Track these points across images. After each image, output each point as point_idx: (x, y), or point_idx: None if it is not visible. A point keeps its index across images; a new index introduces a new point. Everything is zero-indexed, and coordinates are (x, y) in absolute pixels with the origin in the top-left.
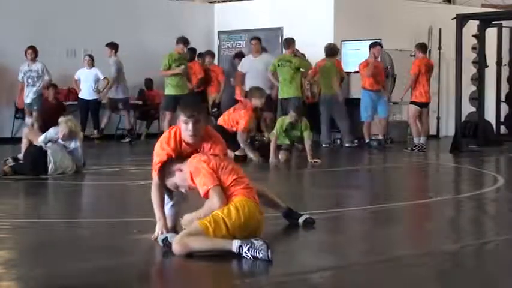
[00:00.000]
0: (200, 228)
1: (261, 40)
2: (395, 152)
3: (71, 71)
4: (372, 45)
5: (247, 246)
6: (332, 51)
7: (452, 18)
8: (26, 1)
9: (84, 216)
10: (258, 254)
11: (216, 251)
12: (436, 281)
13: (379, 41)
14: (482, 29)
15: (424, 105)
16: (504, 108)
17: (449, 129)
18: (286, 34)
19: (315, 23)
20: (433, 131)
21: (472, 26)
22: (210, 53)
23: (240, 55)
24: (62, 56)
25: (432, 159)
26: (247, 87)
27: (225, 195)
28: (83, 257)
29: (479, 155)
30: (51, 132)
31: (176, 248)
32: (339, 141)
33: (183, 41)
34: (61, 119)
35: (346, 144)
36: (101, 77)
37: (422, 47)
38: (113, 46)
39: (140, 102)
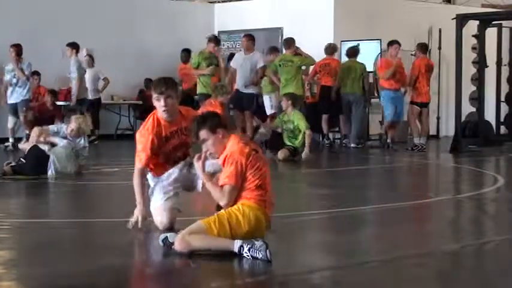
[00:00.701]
0: (204, 227)
1: (254, 38)
2: (394, 152)
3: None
4: (389, 44)
5: (248, 247)
6: (356, 51)
7: (452, 18)
8: (26, 1)
9: (84, 216)
10: (257, 255)
11: (217, 250)
12: (436, 281)
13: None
14: (482, 29)
15: (423, 105)
16: (504, 108)
17: (449, 129)
18: (286, 34)
19: (315, 23)
20: (433, 131)
21: (472, 26)
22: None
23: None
24: (61, 56)
25: (432, 159)
26: (238, 84)
27: (241, 192)
28: (83, 257)
29: (479, 155)
30: (52, 128)
31: (178, 245)
32: (338, 141)
33: (215, 40)
34: (73, 116)
35: (352, 145)
36: (101, 76)
37: (423, 47)
38: (74, 46)
39: (140, 102)
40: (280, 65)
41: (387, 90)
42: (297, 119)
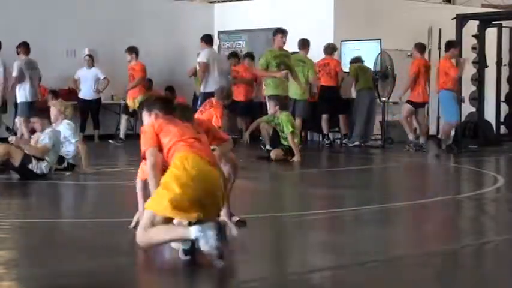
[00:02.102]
0: (149, 211)
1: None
2: (394, 152)
3: (71, 71)
4: (451, 45)
5: (202, 240)
6: (359, 59)
7: (452, 18)
8: (27, 0)
9: (85, 216)
10: (206, 246)
11: (176, 240)
12: (436, 281)
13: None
14: (482, 29)
15: (420, 105)
16: (504, 108)
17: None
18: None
19: (315, 23)
20: (433, 131)
21: (472, 26)
22: (250, 55)
23: (234, 55)
24: (62, 55)
25: (432, 159)
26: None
27: (167, 156)
28: (84, 257)
29: (479, 154)
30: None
31: (140, 245)
32: (338, 141)
33: (282, 31)
34: (51, 103)
35: (355, 143)
36: (101, 76)
37: (422, 48)
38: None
39: None
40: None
41: (447, 90)
42: (283, 121)
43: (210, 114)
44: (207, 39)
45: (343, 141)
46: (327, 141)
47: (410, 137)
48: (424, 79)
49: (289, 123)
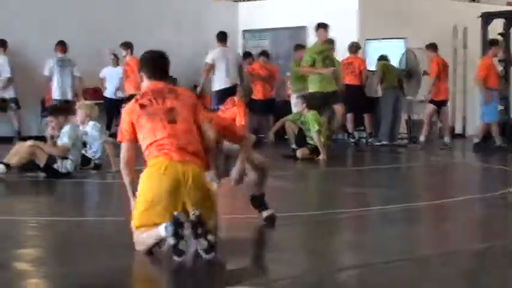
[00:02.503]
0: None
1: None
2: (420, 150)
3: (97, 70)
4: (493, 43)
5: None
6: (385, 57)
7: (478, 17)
8: (51, 0)
9: (110, 214)
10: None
11: (158, 240)
12: (462, 281)
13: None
14: (507, 27)
15: (442, 104)
16: None
17: (476, 128)
18: (311, 33)
19: (339, 22)
20: (458, 130)
21: (498, 25)
22: (265, 54)
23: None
24: (89, 54)
25: (458, 158)
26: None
27: (143, 151)
28: (109, 255)
29: (507, 153)
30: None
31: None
32: (364, 140)
33: (324, 25)
34: (78, 104)
35: (383, 142)
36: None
37: (434, 47)
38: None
39: None
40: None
41: (489, 89)
42: (310, 120)
43: (233, 112)
44: (219, 37)
45: (369, 140)
46: (352, 140)
47: (422, 138)
48: (444, 77)
49: (316, 122)
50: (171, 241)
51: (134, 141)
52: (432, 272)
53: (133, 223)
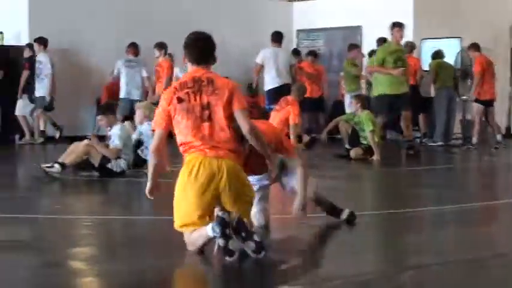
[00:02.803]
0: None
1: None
2: (475, 151)
3: (151, 70)
4: None
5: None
6: (441, 54)
7: None
8: (109, 1)
9: (162, 213)
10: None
11: (208, 240)
12: None
13: None
14: None
15: (488, 104)
16: None
17: None
18: (365, 33)
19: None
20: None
21: None
22: (313, 53)
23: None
24: (144, 55)
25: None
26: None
27: (179, 145)
28: (162, 254)
29: None
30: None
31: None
32: (418, 140)
33: (399, 24)
34: (136, 105)
35: (430, 143)
36: (180, 75)
37: (476, 47)
38: (41, 41)
39: None
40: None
41: None
42: (364, 120)
43: (287, 112)
44: (273, 37)
45: (423, 140)
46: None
47: (474, 139)
48: (489, 76)
49: (370, 122)
50: (220, 242)
51: (168, 130)
52: (489, 274)
53: (176, 224)
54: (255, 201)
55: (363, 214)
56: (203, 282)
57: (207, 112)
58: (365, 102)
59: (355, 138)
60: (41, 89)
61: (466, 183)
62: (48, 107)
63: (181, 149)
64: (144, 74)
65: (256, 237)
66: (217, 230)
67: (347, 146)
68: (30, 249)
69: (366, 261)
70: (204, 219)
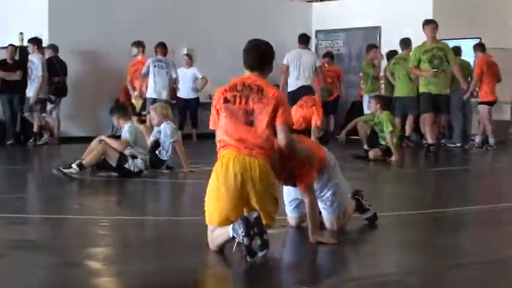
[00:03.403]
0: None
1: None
2: (492, 152)
3: None
4: None
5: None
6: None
7: None
8: (128, 2)
9: (179, 214)
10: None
11: (228, 239)
12: None
13: None
14: None
15: (489, 104)
16: None
17: None
18: (384, 33)
19: (413, 22)
20: None
21: None
22: (330, 55)
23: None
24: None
25: None
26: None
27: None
28: (180, 254)
29: None
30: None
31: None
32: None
33: (430, 22)
34: (151, 107)
35: (449, 144)
36: (200, 76)
37: (480, 46)
38: (35, 42)
39: None
40: (394, 64)
41: None
42: (384, 120)
43: (312, 111)
44: (299, 39)
45: (442, 141)
46: (425, 141)
47: (491, 140)
48: (489, 77)
49: (390, 123)
50: (245, 241)
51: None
52: (505, 276)
53: (207, 220)
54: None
55: (384, 215)
56: (221, 283)
57: (250, 118)
58: (385, 102)
59: (374, 139)
60: (30, 91)
61: (483, 184)
62: (35, 109)
63: (218, 144)
64: (174, 75)
65: (265, 236)
66: (242, 229)
67: (365, 147)
68: (48, 249)
69: (382, 262)
70: (228, 219)
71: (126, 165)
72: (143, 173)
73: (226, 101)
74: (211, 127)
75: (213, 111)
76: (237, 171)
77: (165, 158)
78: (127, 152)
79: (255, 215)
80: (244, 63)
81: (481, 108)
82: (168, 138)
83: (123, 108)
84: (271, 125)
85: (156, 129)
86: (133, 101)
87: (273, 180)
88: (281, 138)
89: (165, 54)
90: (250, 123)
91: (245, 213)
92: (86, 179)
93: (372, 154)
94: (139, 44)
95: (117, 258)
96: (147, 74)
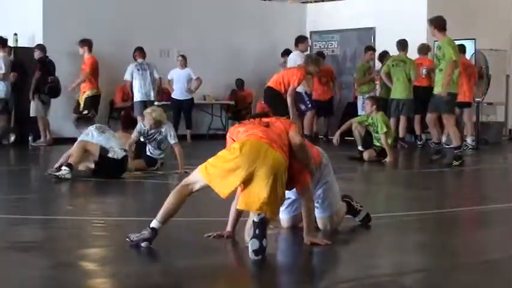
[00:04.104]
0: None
1: None
2: (488, 153)
3: (165, 72)
4: None
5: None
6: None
7: None
8: (122, 2)
9: (176, 215)
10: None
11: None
12: None
13: None
14: None
15: (465, 105)
16: None
17: None
18: (379, 34)
19: (408, 23)
20: None
21: None
22: (321, 54)
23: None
24: (155, 56)
25: None
26: None
27: None
28: (175, 255)
29: None
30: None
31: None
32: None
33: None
34: (145, 111)
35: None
36: (194, 77)
37: (460, 48)
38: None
39: (232, 102)
40: (393, 65)
41: None
42: (379, 121)
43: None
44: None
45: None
46: (419, 142)
47: (469, 139)
48: (466, 79)
49: (384, 124)
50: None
51: None
52: (501, 276)
53: (203, 167)
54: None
55: (378, 216)
56: (215, 284)
57: (267, 125)
58: (379, 104)
59: (368, 140)
60: None
61: (479, 185)
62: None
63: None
64: (157, 75)
65: (264, 242)
66: (259, 229)
67: (360, 148)
68: (42, 250)
69: (375, 263)
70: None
71: (110, 155)
72: (128, 166)
73: (241, 125)
74: None
75: (228, 141)
76: (250, 154)
77: (156, 156)
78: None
79: (262, 215)
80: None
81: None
82: (171, 139)
83: (83, 119)
84: (286, 130)
85: (153, 131)
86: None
87: (280, 176)
88: (295, 138)
89: (144, 57)
90: (268, 126)
91: (259, 215)
92: (80, 180)
93: (366, 155)
94: (84, 43)
95: (111, 260)
96: (130, 78)
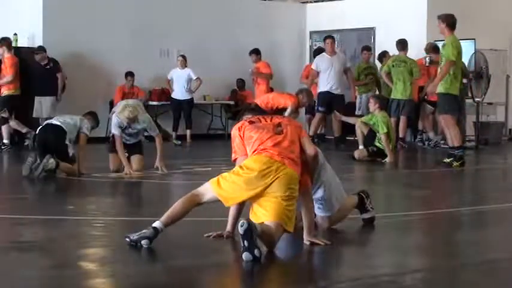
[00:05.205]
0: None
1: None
2: (488, 153)
3: (164, 72)
4: None
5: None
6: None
7: None
8: (121, 3)
9: None
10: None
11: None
12: None
13: None
14: None
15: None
16: None
17: None
18: (379, 34)
19: (408, 23)
20: None
21: None
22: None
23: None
24: (155, 56)
25: None
26: (323, 86)
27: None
28: (175, 255)
29: None
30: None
31: None
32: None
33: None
34: (117, 109)
35: (445, 146)
36: (194, 77)
37: (435, 48)
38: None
39: (232, 103)
40: (393, 66)
41: None
42: (379, 121)
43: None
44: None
45: (439, 142)
46: (429, 143)
47: (431, 134)
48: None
49: (385, 124)
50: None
51: (246, 154)
52: (501, 276)
53: (214, 180)
54: None
55: (378, 216)
56: (214, 284)
57: (280, 128)
58: (383, 103)
59: (371, 139)
60: None
61: (479, 185)
62: None
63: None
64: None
65: (256, 252)
66: (247, 241)
67: (361, 147)
68: (41, 250)
69: (374, 263)
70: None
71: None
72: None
73: (251, 122)
74: (234, 156)
75: (236, 140)
76: (261, 169)
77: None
78: None
79: (245, 226)
80: None
81: (426, 107)
82: (152, 132)
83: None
84: (298, 137)
85: (135, 124)
86: None
87: (292, 191)
88: (310, 149)
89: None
90: (280, 132)
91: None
92: (79, 179)
93: (356, 154)
94: (2, 42)
95: (111, 260)
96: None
